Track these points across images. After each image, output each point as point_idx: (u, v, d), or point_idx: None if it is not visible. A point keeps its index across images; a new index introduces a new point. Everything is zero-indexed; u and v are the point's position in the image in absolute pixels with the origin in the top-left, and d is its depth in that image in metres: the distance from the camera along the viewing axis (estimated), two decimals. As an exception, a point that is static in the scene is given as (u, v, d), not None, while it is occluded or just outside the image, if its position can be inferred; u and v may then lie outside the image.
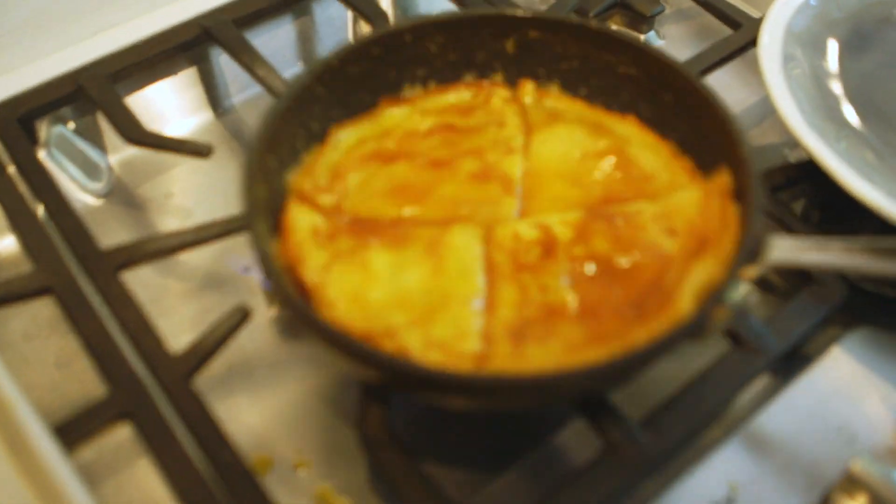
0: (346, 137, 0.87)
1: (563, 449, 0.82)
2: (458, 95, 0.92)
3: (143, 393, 0.76)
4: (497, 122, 0.89)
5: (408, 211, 0.82)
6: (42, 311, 0.91)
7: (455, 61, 0.92)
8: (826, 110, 0.94)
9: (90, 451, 0.78)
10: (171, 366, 0.77)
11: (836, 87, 0.99)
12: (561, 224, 0.79)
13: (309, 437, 0.83)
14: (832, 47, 1.02)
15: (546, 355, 0.70)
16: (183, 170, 1.05)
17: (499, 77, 0.92)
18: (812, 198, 0.97)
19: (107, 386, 0.77)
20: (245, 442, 0.81)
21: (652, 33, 1.20)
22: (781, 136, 1.08)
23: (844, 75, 1.00)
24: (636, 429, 0.72)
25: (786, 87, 0.93)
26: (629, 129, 0.88)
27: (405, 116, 0.90)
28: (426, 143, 0.87)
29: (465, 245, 0.77)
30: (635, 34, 1.19)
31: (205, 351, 0.78)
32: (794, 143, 1.06)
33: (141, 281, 0.92)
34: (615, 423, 0.72)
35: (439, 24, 0.90)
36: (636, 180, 0.84)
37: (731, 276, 0.69)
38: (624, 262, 0.75)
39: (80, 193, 1.02)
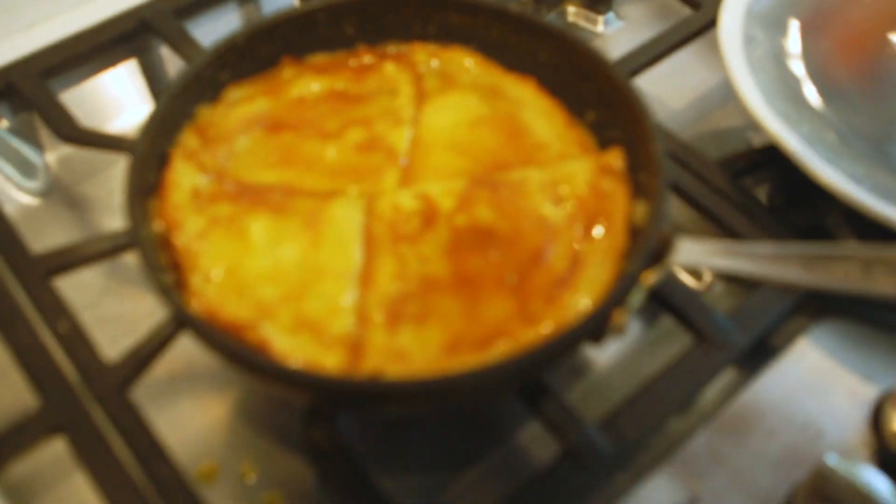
0: (239, 97, 0.85)
1: (523, 450, 0.79)
2: (355, 60, 0.89)
3: (77, 405, 0.72)
4: (389, 91, 0.87)
5: (290, 181, 0.79)
6: (-26, 319, 0.87)
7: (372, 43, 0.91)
8: (788, 92, 0.91)
9: (23, 466, 0.74)
10: (105, 376, 0.73)
11: (798, 68, 0.95)
12: (443, 193, 0.77)
13: (256, 443, 0.79)
14: (794, 27, 0.99)
15: (422, 347, 0.67)
16: (124, 166, 1.00)
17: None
18: (776, 183, 0.94)
19: (38, 398, 0.73)
20: (189, 450, 0.78)
21: (611, 14, 1.17)
22: (744, 119, 1.05)
23: (806, 56, 0.97)
24: (593, 432, 0.69)
25: (747, 69, 0.90)
26: (525, 93, 0.87)
27: (300, 79, 0.87)
28: (315, 110, 0.85)
29: (345, 218, 0.75)
30: (591, 18, 1.17)
31: (141, 359, 0.74)
32: (757, 127, 1.03)
33: (78, 283, 0.88)
34: (571, 426, 0.69)
35: (354, 5, 0.88)
36: (526, 148, 0.82)
37: (631, 278, 0.67)
38: (504, 229, 0.74)
39: (16, 193, 0.98)
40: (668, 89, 1.06)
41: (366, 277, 0.72)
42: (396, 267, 0.72)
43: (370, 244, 0.74)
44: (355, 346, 0.68)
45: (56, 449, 0.74)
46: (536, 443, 0.79)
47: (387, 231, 0.74)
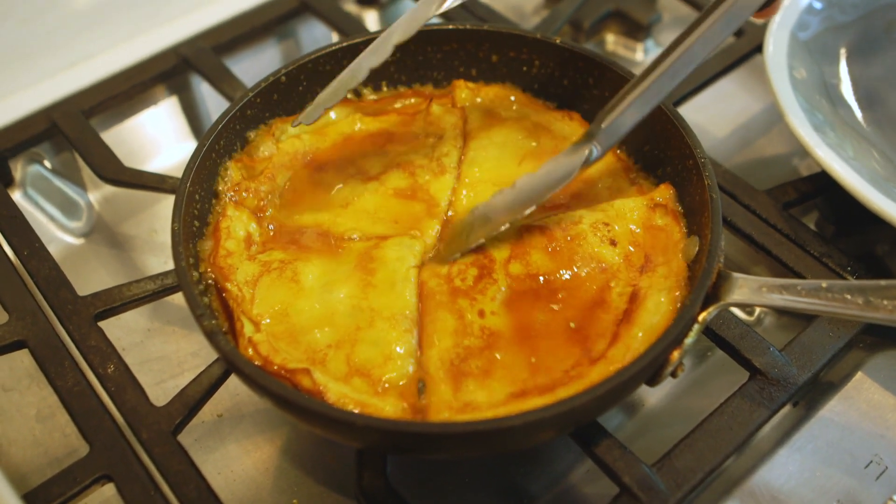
0: (285, 133, 0.84)
1: (576, 491, 0.77)
2: (402, 100, 0.89)
3: (126, 452, 0.71)
4: (436, 134, 0.86)
5: (326, 223, 0.79)
6: (21, 362, 0.87)
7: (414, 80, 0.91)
8: (836, 119, 0.90)
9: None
10: (156, 420, 0.72)
11: (847, 94, 0.94)
12: (495, 241, 0.75)
13: (304, 485, 0.78)
14: (840, 53, 0.98)
15: (489, 399, 0.66)
16: (165, 205, 1.01)
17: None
18: (824, 212, 0.92)
19: (86, 444, 0.72)
20: (237, 494, 0.78)
21: (650, 42, 1.16)
22: (789, 145, 1.03)
23: (854, 81, 0.95)
24: (650, 471, 0.68)
25: (794, 96, 0.88)
26: (570, 128, 0.86)
27: (348, 117, 0.87)
28: (359, 149, 0.85)
29: (396, 259, 0.74)
30: (630, 47, 1.16)
31: (192, 402, 0.73)
32: (803, 153, 1.02)
33: (122, 324, 0.88)
34: (627, 465, 0.68)
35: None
36: (576, 182, 0.80)
37: (688, 318, 0.66)
38: (562, 275, 0.72)
39: (60, 233, 0.98)
40: (710, 117, 1.05)
41: (424, 335, 0.70)
42: (456, 323, 0.70)
43: (426, 299, 0.72)
44: (411, 393, 0.67)
45: (107, 493, 0.73)
46: (590, 483, 0.77)
47: (443, 285, 0.73)
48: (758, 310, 0.90)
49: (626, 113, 0.74)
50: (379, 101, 0.89)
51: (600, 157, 0.74)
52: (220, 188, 0.79)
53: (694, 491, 0.69)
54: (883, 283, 0.64)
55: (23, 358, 0.86)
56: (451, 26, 0.88)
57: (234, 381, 0.80)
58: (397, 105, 0.89)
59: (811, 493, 0.72)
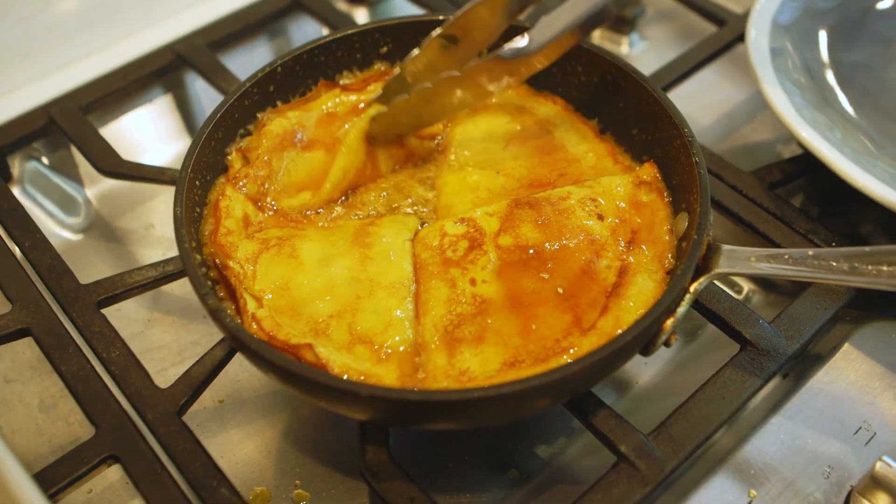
0: (279, 119, 0.85)
1: (574, 465, 0.79)
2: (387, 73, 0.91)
3: (132, 432, 0.72)
4: None
5: (311, 199, 0.82)
6: (23, 352, 0.88)
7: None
8: (819, 101, 0.92)
9: (79, 494, 0.75)
10: (161, 401, 0.74)
11: (830, 78, 0.96)
12: (485, 216, 0.77)
13: (307, 466, 0.80)
14: (822, 38, 1.00)
15: (483, 366, 0.68)
16: (162, 200, 1.02)
17: None
18: (809, 193, 0.95)
19: (90, 430, 0.73)
20: (241, 476, 0.79)
21: (635, 35, 1.18)
22: (773, 132, 1.06)
23: (836, 66, 0.98)
24: (646, 439, 0.69)
25: (776, 79, 0.90)
26: (553, 110, 0.88)
27: (333, 99, 0.88)
28: (341, 125, 0.86)
29: (392, 233, 0.77)
30: (615, 40, 1.19)
31: (196, 382, 0.74)
32: (786, 140, 1.04)
33: (123, 315, 0.89)
34: (624, 434, 0.70)
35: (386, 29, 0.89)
36: (560, 162, 0.83)
37: (679, 287, 0.68)
38: (551, 247, 0.74)
39: (58, 229, 0.99)
40: (696, 107, 1.07)
41: (419, 304, 0.72)
42: (448, 291, 0.72)
43: (419, 271, 0.74)
44: (412, 360, 0.68)
45: (114, 475, 0.74)
46: (586, 458, 0.79)
47: (435, 257, 0.75)
48: (746, 288, 0.92)
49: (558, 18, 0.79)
50: (363, 77, 0.91)
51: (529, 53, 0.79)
52: (220, 178, 0.81)
53: (689, 458, 0.70)
54: (867, 249, 0.67)
55: (24, 349, 0.88)
56: (440, 17, 0.89)
57: (234, 368, 0.82)
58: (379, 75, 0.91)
59: (803, 459, 0.74)
